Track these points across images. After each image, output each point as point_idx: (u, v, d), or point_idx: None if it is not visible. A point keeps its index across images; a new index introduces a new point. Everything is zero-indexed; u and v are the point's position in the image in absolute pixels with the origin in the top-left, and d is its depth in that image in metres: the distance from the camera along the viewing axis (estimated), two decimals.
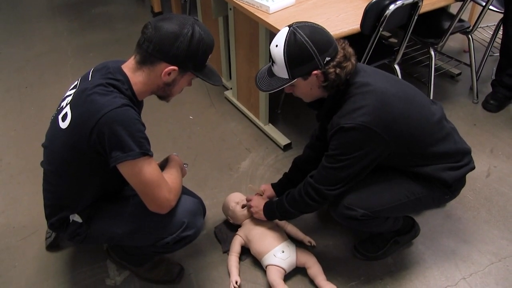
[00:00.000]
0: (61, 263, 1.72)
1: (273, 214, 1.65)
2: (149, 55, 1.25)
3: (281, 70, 1.34)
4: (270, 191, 1.83)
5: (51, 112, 1.43)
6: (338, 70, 1.30)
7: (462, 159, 1.49)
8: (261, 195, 1.79)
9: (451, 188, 1.49)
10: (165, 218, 1.37)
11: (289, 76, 1.34)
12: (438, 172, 1.45)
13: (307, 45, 1.27)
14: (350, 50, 1.35)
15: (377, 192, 1.46)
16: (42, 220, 1.49)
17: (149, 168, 1.25)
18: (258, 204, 1.70)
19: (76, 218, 1.40)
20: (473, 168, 1.53)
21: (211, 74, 1.37)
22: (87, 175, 1.33)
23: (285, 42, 1.29)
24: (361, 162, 1.36)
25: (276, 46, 1.32)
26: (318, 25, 1.34)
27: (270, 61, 1.39)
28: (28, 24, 3.63)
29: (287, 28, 1.31)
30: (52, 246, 1.76)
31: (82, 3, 3.96)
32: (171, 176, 1.38)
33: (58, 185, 1.38)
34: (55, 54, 3.17)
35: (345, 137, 1.33)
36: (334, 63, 1.30)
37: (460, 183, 1.53)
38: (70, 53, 3.18)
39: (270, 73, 1.40)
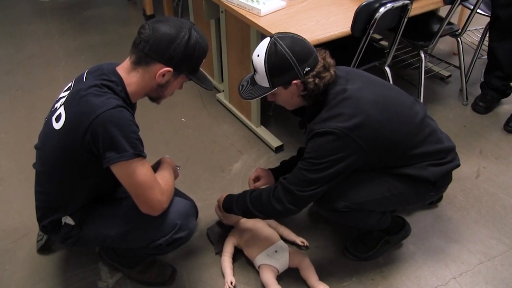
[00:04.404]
0: (52, 266, 1.71)
1: (231, 208, 1.61)
2: (145, 55, 1.26)
3: (262, 79, 1.38)
4: (268, 178, 1.76)
5: (42, 114, 1.43)
6: (317, 80, 1.34)
7: (446, 157, 1.50)
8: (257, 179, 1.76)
9: (435, 184, 1.50)
10: (157, 220, 1.37)
11: (270, 85, 1.38)
12: (419, 170, 1.46)
13: (287, 55, 1.32)
14: (330, 60, 1.39)
15: (359, 185, 1.47)
16: (33, 223, 1.49)
17: (142, 170, 1.25)
18: (221, 197, 1.69)
19: (68, 220, 1.40)
20: (458, 165, 1.54)
21: (203, 78, 1.40)
22: (79, 176, 1.32)
23: (266, 52, 1.34)
24: (335, 167, 1.36)
25: (258, 56, 1.36)
26: (299, 35, 1.38)
27: (252, 70, 1.42)
28: (19, 26, 3.61)
29: (268, 39, 1.36)
30: (44, 249, 1.75)
31: (74, 5, 3.94)
32: (163, 178, 1.39)
33: (50, 187, 1.37)
34: (47, 56, 3.15)
35: (319, 141, 1.35)
36: (314, 73, 1.35)
37: (444, 179, 1.53)
38: (61, 55, 3.16)
39: (253, 81, 1.44)
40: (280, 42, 1.33)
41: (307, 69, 1.34)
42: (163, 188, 1.33)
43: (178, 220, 1.40)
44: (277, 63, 1.33)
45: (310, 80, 1.34)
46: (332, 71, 1.38)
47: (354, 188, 1.47)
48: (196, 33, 1.28)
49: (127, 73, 1.30)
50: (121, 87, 1.29)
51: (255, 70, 1.40)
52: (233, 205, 1.59)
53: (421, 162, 1.46)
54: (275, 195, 1.44)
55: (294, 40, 1.35)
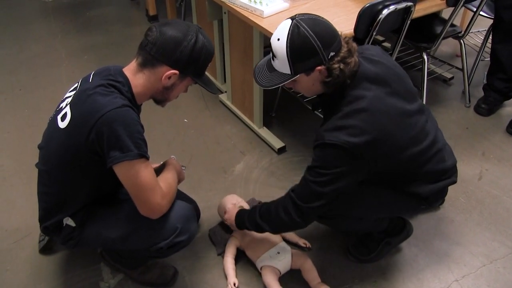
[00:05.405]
0: (54, 266, 1.72)
1: (243, 224, 1.56)
2: (151, 57, 1.27)
3: (282, 65, 1.26)
4: None
5: (45, 114, 1.43)
6: (342, 66, 1.23)
7: (444, 175, 1.45)
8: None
9: (427, 200, 1.45)
10: (158, 224, 1.36)
11: (291, 71, 1.26)
12: (412, 188, 1.41)
13: (311, 39, 1.20)
14: (354, 45, 1.28)
15: (346, 194, 1.39)
16: (35, 223, 1.49)
17: (145, 171, 1.25)
18: (232, 213, 1.64)
19: (69, 222, 1.40)
20: (454, 182, 1.48)
21: (209, 82, 1.41)
22: (82, 176, 1.33)
23: (288, 35, 1.21)
24: (343, 180, 1.29)
25: (278, 39, 1.24)
26: (322, 17, 1.27)
27: (270, 55, 1.30)
28: (22, 25, 3.62)
29: (290, 21, 1.23)
30: (45, 249, 1.75)
31: (77, 5, 3.95)
32: (166, 181, 1.38)
33: (52, 186, 1.37)
34: (49, 56, 3.16)
35: (326, 152, 1.27)
36: (338, 58, 1.23)
37: (438, 195, 1.48)
38: (64, 55, 3.17)
39: (270, 67, 1.32)
40: (303, 24, 1.20)
41: (331, 54, 1.22)
42: (164, 192, 1.32)
43: (179, 223, 1.40)
44: (301, 48, 1.21)
45: (336, 66, 1.23)
46: (355, 57, 1.27)
47: (341, 197, 1.39)
48: (202, 37, 1.29)
49: (133, 74, 1.31)
50: (127, 87, 1.29)
51: (274, 55, 1.27)
52: (245, 220, 1.53)
53: (417, 181, 1.41)
54: (283, 206, 1.38)
55: (318, 22, 1.23)
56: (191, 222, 1.46)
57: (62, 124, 1.28)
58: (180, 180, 1.57)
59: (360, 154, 1.24)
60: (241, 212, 1.60)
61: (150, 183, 1.27)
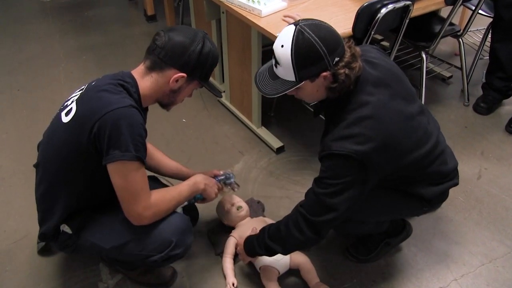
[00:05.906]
0: (53, 267, 1.71)
1: (252, 250, 1.49)
2: (160, 60, 1.29)
3: (287, 72, 1.24)
4: None
5: (43, 115, 1.43)
6: (347, 71, 1.21)
7: (446, 177, 1.45)
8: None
9: (430, 202, 1.45)
10: (152, 237, 1.36)
11: (296, 78, 1.24)
12: (416, 189, 1.41)
13: (316, 44, 1.18)
14: (357, 49, 1.27)
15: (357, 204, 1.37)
16: (34, 224, 1.48)
17: (136, 176, 1.25)
18: (242, 244, 1.57)
19: (66, 229, 1.39)
20: (456, 184, 1.48)
21: (214, 86, 1.44)
22: (80, 176, 1.32)
23: (292, 42, 1.19)
24: (353, 189, 1.26)
25: (282, 46, 1.21)
26: (325, 22, 1.25)
27: (273, 62, 1.28)
28: (20, 25, 3.62)
29: (293, 27, 1.21)
30: (44, 251, 1.75)
31: (76, 5, 3.95)
32: (165, 195, 1.36)
33: (49, 184, 1.37)
34: (48, 56, 3.16)
35: (334, 162, 1.25)
36: (343, 63, 1.21)
37: (440, 197, 1.48)
38: (62, 55, 3.17)
39: (273, 74, 1.29)
40: (308, 29, 1.18)
41: (336, 59, 1.20)
42: (151, 203, 1.30)
43: (174, 237, 1.38)
44: (306, 54, 1.19)
45: (341, 71, 1.21)
46: (359, 62, 1.25)
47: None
48: (209, 42, 1.33)
49: (141, 77, 1.33)
50: (135, 88, 1.31)
51: (277, 62, 1.25)
52: (255, 245, 1.47)
53: (420, 182, 1.42)
54: (294, 223, 1.33)
55: (322, 27, 1.21)
56: (186, 235, 1.44)
57: (66, 119, 1.29)
58: (206, 198, 1.55)
59: (368, 162, 1.23)
60: (248, 239, 1.53)
61: (137, 190, 1.26)
